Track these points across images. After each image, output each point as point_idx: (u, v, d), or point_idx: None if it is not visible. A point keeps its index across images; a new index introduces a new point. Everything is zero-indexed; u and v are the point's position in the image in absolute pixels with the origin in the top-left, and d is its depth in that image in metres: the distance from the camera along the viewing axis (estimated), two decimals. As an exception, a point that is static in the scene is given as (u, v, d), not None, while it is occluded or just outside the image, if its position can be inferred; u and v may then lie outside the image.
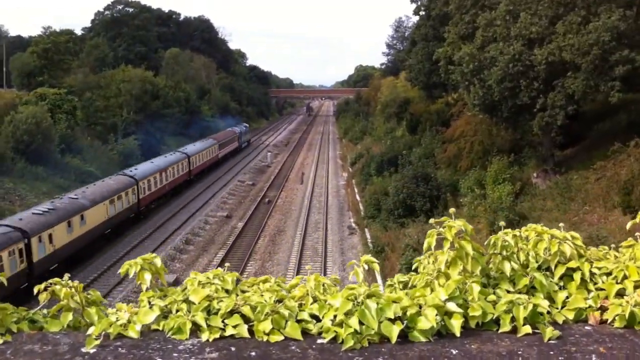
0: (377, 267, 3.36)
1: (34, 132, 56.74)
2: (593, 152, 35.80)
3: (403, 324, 2.77)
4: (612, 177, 31.50)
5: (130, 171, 50.78)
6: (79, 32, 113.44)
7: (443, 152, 51.49)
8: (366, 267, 3.32)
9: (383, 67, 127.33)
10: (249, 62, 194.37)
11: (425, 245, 3.28)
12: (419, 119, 63.98)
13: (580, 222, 30.14)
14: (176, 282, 35.35)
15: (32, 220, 33.46)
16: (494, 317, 2.91)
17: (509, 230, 3.30)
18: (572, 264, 3.19)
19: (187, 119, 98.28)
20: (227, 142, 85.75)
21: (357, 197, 55.81)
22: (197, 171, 67.92)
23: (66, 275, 3.22)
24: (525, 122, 36.81)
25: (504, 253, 3.19)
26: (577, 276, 3.16)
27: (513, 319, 2.86)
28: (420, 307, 2.85)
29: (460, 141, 48.75)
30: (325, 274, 35.78)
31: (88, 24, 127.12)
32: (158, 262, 3.27)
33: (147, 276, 3.20)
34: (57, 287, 3.11)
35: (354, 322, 2.73)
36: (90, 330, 2.88)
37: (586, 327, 2.94)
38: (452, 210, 3.33)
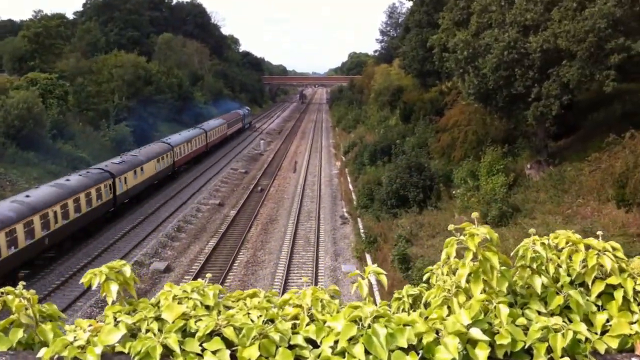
0: (384, 279, 2.91)
1: (25, 117, 56.10)
2: (587, 143, 35.44)
3: (418, 354, 2.32)
4: (606, 170, 31.11)
5: (167, 140, 63.81)
6: (70, 16, 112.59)
7: (437, 142, 51.03)
8: (373, 279, 2.87)
9: (377, 54, 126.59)
10: (242, 48, 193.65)
11: (443, 256, 2.81)
12: (413, 108, 63.52)
13: (573, 215, 29.84)
14: (167, 270, 34.98)
15: (114, 166, 46.91)
16: (526, 346, 2.45)
17: (537, 237, 2.83)
18: (613, 280, 2.70)
19: (180, 105, 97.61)
20: (233, 122, 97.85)
21: (350, 187, 55.43)
22: (212, 144, 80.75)
23: (20, 284, 2.76)
24: (519, 112, 36.36)
25: (534, 266, 2.72)
26: (618, 295, 2.67)
27: (549, 349, 2.40)
28: (438, 332, 2.39)
29: (454, 131, 48.28)
30: (317, 265, 35.48)
31: (79, 8, 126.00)
32: (127, 270, 2.81)
33: (114, 287, 2.74)
34: (9, 297, 2.65)
35: (359, 351, 2.27)
36: (41, 352, 2.43)
37: (633, 359, 2.50)
38: (475, 214, 2.86)
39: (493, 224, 31.54)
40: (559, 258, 2.82)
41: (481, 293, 2.60)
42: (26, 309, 2.65)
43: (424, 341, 2.36)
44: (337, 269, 35.03)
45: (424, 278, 3.00)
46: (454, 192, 39.90)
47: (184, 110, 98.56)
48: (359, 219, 43.35)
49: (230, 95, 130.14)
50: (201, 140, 73.96)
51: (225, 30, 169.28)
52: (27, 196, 35.40)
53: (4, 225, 30.77)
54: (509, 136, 42.29)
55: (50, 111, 62.28)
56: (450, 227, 2.80)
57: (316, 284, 32.09)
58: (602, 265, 2.74)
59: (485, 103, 38.06)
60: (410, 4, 66.21)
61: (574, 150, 36.75)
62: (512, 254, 2.83)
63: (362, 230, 40.34)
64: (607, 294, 2.72)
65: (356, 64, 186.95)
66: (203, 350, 2.40)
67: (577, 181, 32.77)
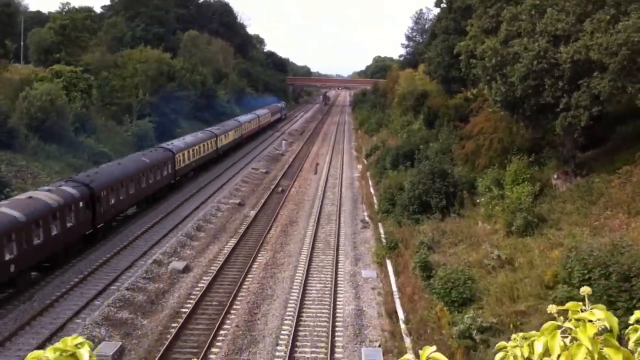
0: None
1: (49, 109, 56.05)
2: (615, 156, 34.78)
3: None
4: (637, 183, 30.52)
5: (237, 119, 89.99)
6: (98, 10, 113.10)
7: (461, 149, 50.42)
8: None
9: (401, 59, 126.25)
10: (267, 48, 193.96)
11: (538, 351, 2.08)
12: (437, 113, 62.98)
13: (601, 227, 29.19)
14: (186, 269, 34.67)
15: (216, 130, 73.03)
16: None
17: None
18: None
19: (203, 102, 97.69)
20: (275, 112, 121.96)
21: (372, 190, 54.98)
22: (262, 127, 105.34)
23: None
24: (547, 122, 35.66)
25: None
26: None
27: None
28: None
29: (479, 138, 47.66)
30: (337, 269, 35.06)
31: (107, 2, 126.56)
32: (84, 354, 2.15)
33: None
34: None
35: None
36: None
37: None
38: (585, 289, 2.21)
39: (518, 234, 31.06)
40: None
41: None
42: None
43: None
44: (357, 274, 34.60)
45: (496, 359, 2.34)
46: (477, 200, 39.35)
47: (206, 107, 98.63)
48: (380, 224, 42.90)
49: (253, 95, 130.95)
50: (255, 122, 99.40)
51: (251, 30, 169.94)
52: (183, 138, 62.69)
53: (179, 150, 56.46)
54: (535, 145, 41.61)
55: (73, 104, 62.32)
56: (551, 308, 2.19)
57: (335, 289, 31.78)
58: None
59: (512, 111, 37.42)
60: (438, 10, 65.85)
61: (601, 162, 36.05)
62: (625, 338, 2.13)
63: (382, 235, 39.88)
64: None
65: (380, 67, 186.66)
66: None
67: (606, 193, 32.09)
